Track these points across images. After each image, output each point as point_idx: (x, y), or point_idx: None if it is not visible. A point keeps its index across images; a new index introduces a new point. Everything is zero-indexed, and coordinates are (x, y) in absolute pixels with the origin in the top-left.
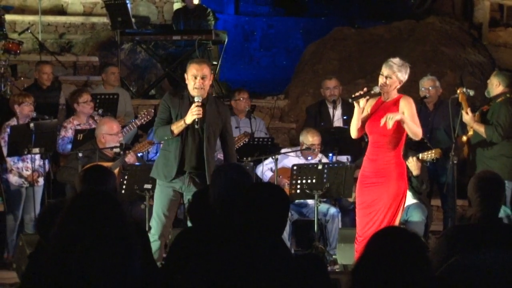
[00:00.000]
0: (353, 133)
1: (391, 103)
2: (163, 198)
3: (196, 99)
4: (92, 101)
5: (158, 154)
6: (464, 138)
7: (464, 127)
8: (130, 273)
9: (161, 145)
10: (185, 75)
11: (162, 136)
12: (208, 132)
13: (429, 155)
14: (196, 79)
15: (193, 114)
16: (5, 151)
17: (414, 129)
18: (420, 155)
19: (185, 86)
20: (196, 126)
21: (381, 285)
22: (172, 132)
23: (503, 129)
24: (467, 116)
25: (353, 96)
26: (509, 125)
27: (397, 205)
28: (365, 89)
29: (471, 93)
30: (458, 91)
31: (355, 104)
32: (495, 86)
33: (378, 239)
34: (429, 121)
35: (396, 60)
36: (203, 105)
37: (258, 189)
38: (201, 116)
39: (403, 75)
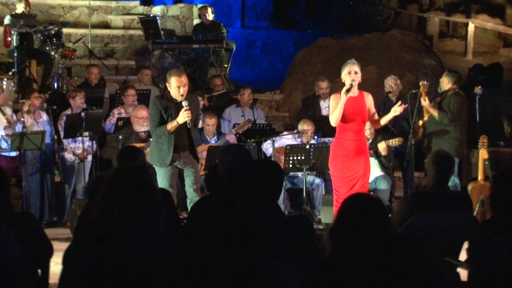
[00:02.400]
0: (337, 121)
1: (358, 97)
2: (165, 175)
3: (184, 104)
4: (135, 95)
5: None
6: (420, 123)
7: (420, 115)
8: (158, 230)
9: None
10: (167, 84)
11: (160, 135)
12: (191, 122)
13: (394, 142)
14: (180, 88)
15: (185, 117)
16: (62, 134)
17: None
18: (387, 141)
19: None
20: (188, 126)
21: (351, 241)
22: (168, 131)
23: (452, 114)
24: (425, 103)
25: (346, 90)
26: (457, 111)
27: (368, 175)
28: (349, 84)
29: (427, 85)
30: (420, 83)
31: (345, 96)
32: (446, 84)
33: (348, 203)
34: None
35: (355, 61)
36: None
37: (260, 165)
38: (190, 117)
39: None
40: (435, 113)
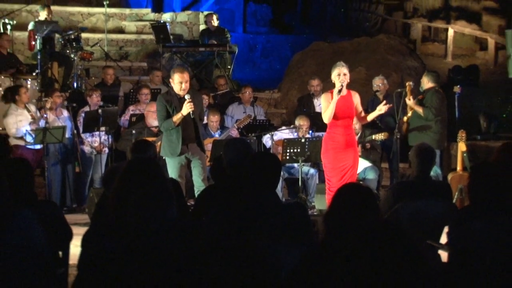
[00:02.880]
0: (330, 119)
1: (347, 96)
2: (175, 167)
3: (186, 97)
4: (148, 94)
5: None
6: (405, 119)
7: (404, 111)
8: (168, 216)
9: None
10: (171, 80)
11: (167, 127)
12: (196, 115)
13: (380, 136)
14: (182, 83)
15: (188, 109)
16: (81, 129)
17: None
18: (374, 136)
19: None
20: (192, 116)
21: (343, 225)
22: (174, 123)
23: (435, 109)
24: (409, 102)
25: (338, 91)
26: (439, 106)
27: (357, 165)
28: (339, 86)
29: (412, 85)
30: (407, 84)
31: (337, 95)
32: (426, 83)
33: (342, 192)
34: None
35: (344, 63)
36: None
37: (260, 157)
38: (193, 108)
39: None
40: (420, 110)
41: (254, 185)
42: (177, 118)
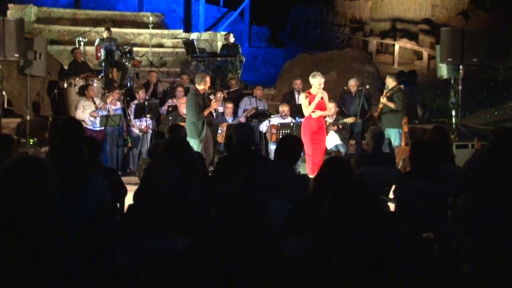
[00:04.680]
0: (309, 113)
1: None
2: (195, 144)
3: (212, 97)
4: (182, 91)
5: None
6: (380, 107)
7: (373, 104)
8: (193, 181)
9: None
10: (202, 83)
11: (201, 117)
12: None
13: (350, 120)
14: (208, 85)
15: (215, 105)
16: (132, 116)
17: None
18: (345, 120)
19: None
20: (217, 112)
21: (328, 184)
22: (203, 115)
23: (401, 101)
24: (383, 100)
25: (321, 97)
26: (403, 100)
27: (325, 143)
28: (320, 94)
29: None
30: (384, 94)
31: (318, 99)
32: (391, 83)
33: (328, 161)
34: (351, 101)
35: (321, 74)
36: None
37: (287, 140)
38: (219, 105)
39: None
40: (392, 105)
41: (280, 161)
42: (207, 112)
